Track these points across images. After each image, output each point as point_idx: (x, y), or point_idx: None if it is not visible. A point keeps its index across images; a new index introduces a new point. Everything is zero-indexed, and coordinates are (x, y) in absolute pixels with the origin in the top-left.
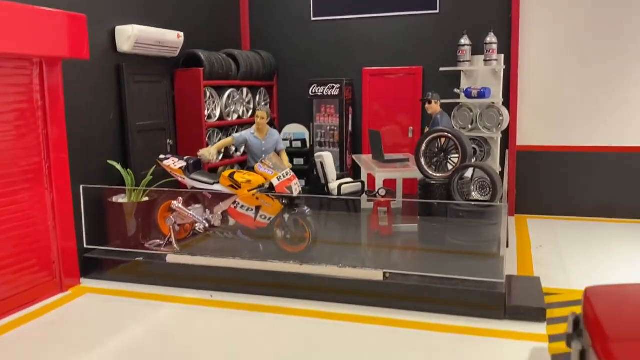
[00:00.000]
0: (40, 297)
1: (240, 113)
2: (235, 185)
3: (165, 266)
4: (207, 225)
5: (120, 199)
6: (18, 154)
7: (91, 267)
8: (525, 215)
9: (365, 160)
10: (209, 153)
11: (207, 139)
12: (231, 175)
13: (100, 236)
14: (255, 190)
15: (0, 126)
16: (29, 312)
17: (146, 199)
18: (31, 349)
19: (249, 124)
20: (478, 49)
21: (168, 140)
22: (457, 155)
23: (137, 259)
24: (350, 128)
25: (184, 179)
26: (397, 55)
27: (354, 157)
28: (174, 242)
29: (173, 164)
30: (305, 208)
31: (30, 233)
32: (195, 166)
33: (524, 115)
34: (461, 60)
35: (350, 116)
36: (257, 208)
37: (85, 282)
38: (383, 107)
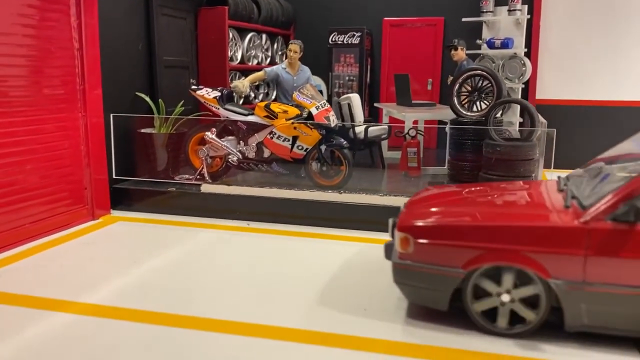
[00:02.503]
0: (72, 222)
1: (259, 59)
2: (272, 116)
3: (199, 197)
4: (240, 157)
5: (148, 130)
6: (53, 73)
7: (120, 198)
8: (543, 170)
9: (389, 106)
10: (243, 85)
11: (229, 81)
12: (267, 106)
13: (129, 168)
14: (292, 120)
15: (36, 42)
16: (65, 235)
17: (173, 131)
18: (77, 264)
19: None
20: None
21: (191, 80)
22: (491, 95)
23: (170, 189)
24: (368, 79)
25: (218, 109)
26: (419, 5)
27: (376, 104)
28: (206, 174)
29: (207, 93)
30: (342, 140)
31: (63, 156)
32: (229, 97)
33: (545, 67)
34: (484, 10)
35: (369, 67)
36: (294, 138)
37: (115, 213)
38: (402, 59)
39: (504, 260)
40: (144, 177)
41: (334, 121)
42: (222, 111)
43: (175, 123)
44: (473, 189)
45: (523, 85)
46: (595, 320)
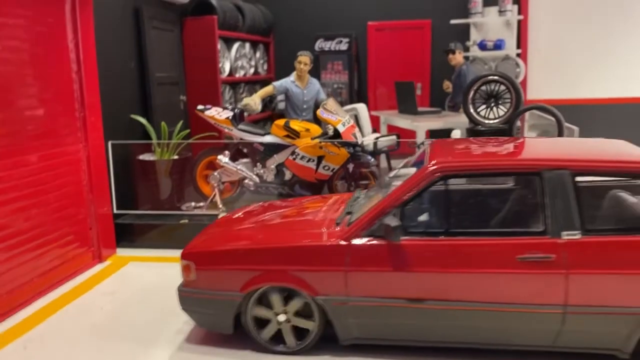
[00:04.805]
0: (80, 268)
1: (246, 70)
2: (293, 135)
3: None
4: (258, 181)
5: (148, 157)
6: (51, 100)
7: (123, 234)
8: None
9: (390, 114)
10: (254, 102)
11: (221, 96)
12: (286, 124)
13: (129, 199)
14: (321, 140)
15: (31, 67)
16: (78, 284)
17: (176, 157)
18: (110, 323)
19: (254, 82)
20: (487, 0)
21: (181, 97)
22: (508, 101)
23: (181, 221)
24: (355, 86)
25: (231, 130)
26: (404, 9)
27: (373, 112)
28: (218, 202)
29: (217, 114)
30: (369, 157)
31: (67, 194)
32: (241, 117)
33: (534, 67)
34: (473, 12)
35: (356, 73)
36: (319, 158)
37: (121, 252)
38: (390, 63)
39: (274, 281)
40: (147, 208)
41: (360, 138)
42: (236, 132)
43: (178, 147)
44: (267, 208)
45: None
46: (365, 332)
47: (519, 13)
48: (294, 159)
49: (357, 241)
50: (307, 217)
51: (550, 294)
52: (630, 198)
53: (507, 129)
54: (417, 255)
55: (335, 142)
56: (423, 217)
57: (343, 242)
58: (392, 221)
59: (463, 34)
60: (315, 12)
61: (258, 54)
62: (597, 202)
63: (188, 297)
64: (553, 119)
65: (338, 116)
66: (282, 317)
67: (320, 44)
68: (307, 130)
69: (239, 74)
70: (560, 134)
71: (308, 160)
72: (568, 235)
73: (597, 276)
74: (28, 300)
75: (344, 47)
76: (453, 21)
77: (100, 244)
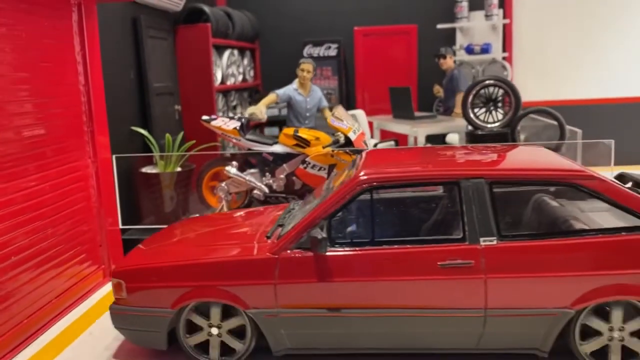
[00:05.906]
0: (92, 288)
1: (236, 78)
2: (303, 144)
3: None
4: (267, 191)
5: (150, 169)
6: (60, 115)
7: (129, 250)
8: None
9: (384, 119)
10: (260, 111)
11: (215, 105)
12: (296, 133)
13: (133, 214)
14: (330, 148)
15: (38, 81)
16: (92, 306)
17: (179, 169)
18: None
19: (244, 89)
20: (473, 4)
21: (176, 106)
22: (507, 104)
23: None
24: (344, 91)
25: (239, 140)
26: (390, 14)
27: (368, 118)
28: None
29: (224, 124)
30: None
31: (78, 212)
32: (248, 126)
33: (520, 70)
34: (459, 16)
35: (344, 79)
36: (331, 167)
37: None
38: (377, 68)
39: (204, 296)
40: (151, 222)
41: (370, 145)
42: (243, 142)
43: (181, 159)
44: (205, 223)
45: None
46: (297, 342)
47: (505, 17)
48: (305, 167)
49: (286, 254)
50: (244, 228)
51: (471, 298)
52: (551, 203)
53: (507, 133)
54: (344, 266)
55: (347, 150)
56: (350, 228)
57: (272, 256)
58: (319, 233)
59: (449, 38)
60: (300, 18)
61: (245, 61)
62: (519, 208)
63: (120, 315)
64: (555, 122)
65: (349, 124)
66: (214, 331)
67: (309, 50)
68: (317, 138)
69: (230, 82)
70: (562, 137)
71: (319, 169)
72: (485, 242)
73: (514, 280)
74: (48, 323)
75: (332, 52)
76: (439, 26)
77: (110, 261)
